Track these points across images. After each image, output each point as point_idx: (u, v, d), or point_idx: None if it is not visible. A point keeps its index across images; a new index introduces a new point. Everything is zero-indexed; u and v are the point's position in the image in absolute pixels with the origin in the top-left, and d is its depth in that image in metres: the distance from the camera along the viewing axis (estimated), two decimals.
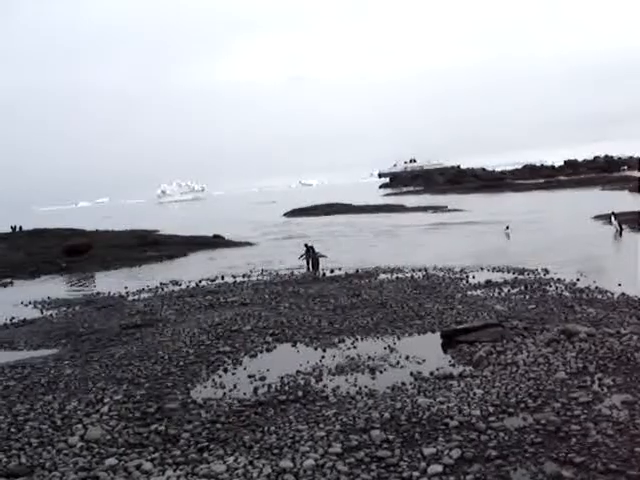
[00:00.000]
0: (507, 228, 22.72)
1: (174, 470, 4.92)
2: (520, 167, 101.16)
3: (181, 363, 8.12)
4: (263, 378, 7.37)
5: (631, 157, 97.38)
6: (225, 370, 7.91)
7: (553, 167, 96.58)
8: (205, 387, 7.26)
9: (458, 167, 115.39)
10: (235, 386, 7.17)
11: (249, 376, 7.53)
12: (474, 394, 6.06)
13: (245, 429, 5.82)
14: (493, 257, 16.68)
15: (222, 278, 16.37)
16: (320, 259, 16.82)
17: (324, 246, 19.20)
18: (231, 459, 5.03)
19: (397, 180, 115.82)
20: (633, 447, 4.61)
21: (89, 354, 8.96)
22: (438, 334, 8.75)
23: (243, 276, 16.47)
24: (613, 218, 21.47)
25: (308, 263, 16.77)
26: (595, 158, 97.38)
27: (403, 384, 6.70)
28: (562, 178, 75.00)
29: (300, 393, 6.65)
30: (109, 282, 18.04)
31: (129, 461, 5.14)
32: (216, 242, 27.60)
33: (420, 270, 15.12)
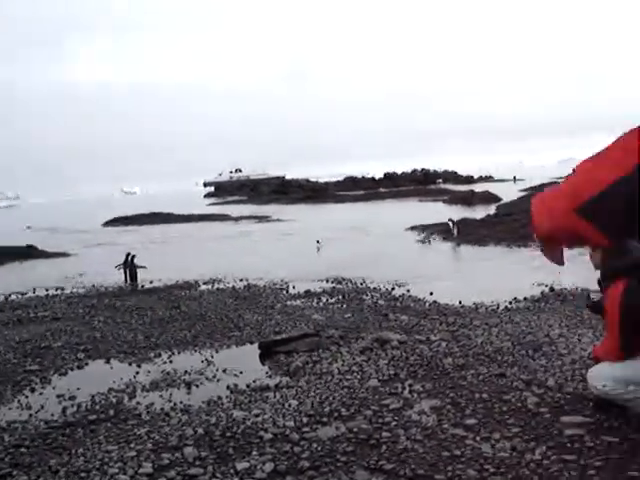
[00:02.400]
0: (318, 242, 22.56)
1: None
2: (342, 179, 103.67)
3: None
4: (73, 397, 6.99)
5: (446, 170, 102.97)
6: (32, 390, 7.43)
7: (374, 179, 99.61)
8: (10, 409, 6.76)
9: (283, 177, 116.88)
10: (42, 407, 6.73)
11: (58, 395, 7.10)
12: (289, 405, 6.05)
13: (51, 452, 5.47)
14: (313, 267, 16.96)
15: (34, 291, 15.49)
16: (139, 270, 16.39)
17: (145, 256, 18.67)
18: None
19: (222, 189, 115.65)
20: (440, 452, 4.75)
21: None
22: (256, 345, 8.71)
23: (56, 289, 15.67)
24: (451, 224, 22.81)
25: (126, 274, 16.28)
26: (413, 171, 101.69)
27: (219, 398, 6.58)
28: (382, 190, 77.73)
29: (112, 412, 6.35)
30: None
31: None
32: (30, 252, 26.03)
33: (241, 280, 15.10)
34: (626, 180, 1.76)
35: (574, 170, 1.97)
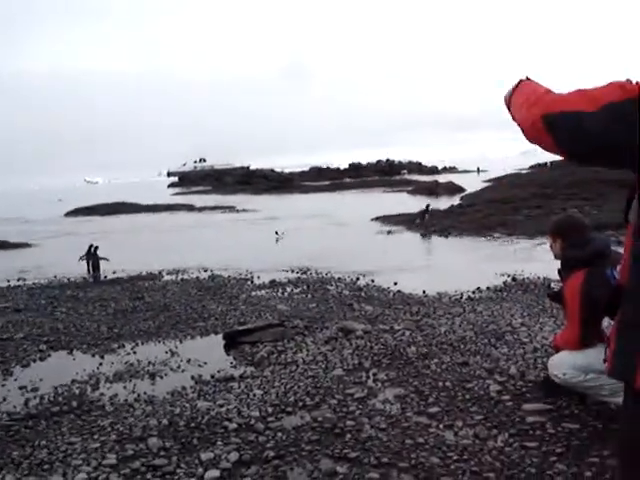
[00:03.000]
0: (277, 233, 22.21)
1: None
2: (307, 169, 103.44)
3: None
4: (36, 389, 6.92)
5: (410, 161, 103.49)
6: None
7: (339, 169, 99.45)
8: None
9: (248, 168, 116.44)
10: (4, 399, 6.65)
11: (20, 387, 7.03)
12: (254, 395, 6.06)
13: (14, 444, 5.42)
14: (278, 257, 16.95)
15: None
16: (102, 261, 16.25)
17: (107, 246, 18.46)
18: None
19: (186, 179, 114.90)
20: (404, 439, 4.80)
21: None
22: (221, 335, 8.70)
23: (18, 280, 15.47)
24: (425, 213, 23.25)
25: (88, 265, 16.12)
26: (378, 162, 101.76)
27: (184, 388, 6.57)
28: (347, 180, 77.82)
29: (75, 403, 6.31)
30: None
31: None
32: None
33: (206, 271, 15.05)
34: (592, 114, 1.92)
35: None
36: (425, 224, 22.77)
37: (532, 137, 2.13)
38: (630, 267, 1.99)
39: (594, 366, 4.60)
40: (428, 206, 24.28)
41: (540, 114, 2.02)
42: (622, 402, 2.10)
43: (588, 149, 1.97)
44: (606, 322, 4.74)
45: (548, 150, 2.10)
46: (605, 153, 1.95)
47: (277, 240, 21.79)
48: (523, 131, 2.18)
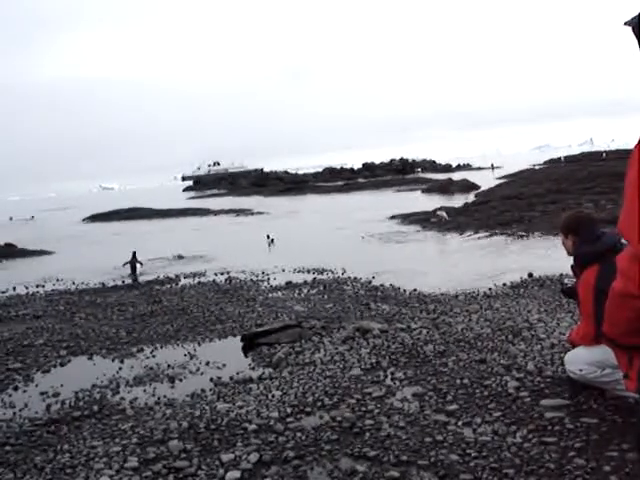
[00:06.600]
0: (268, 237, 21.17)
1: None
2: (321, 170, 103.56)
3: None
4: (56, 394, 7.01)
5: (424, 160, 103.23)
6: (15, 388, 7.43)
7: (352, 170, 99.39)
8: None
9: (262, 170, 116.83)
10: (26, 405, 6.75)
11: (41, 393, 7.13)
12: (273, 396, 6.09)
13: (36, 449, 5.49)
14: (294, 258, 16.93)
15: (14, 289, 15.37)
16: (137, 265, 16.61)
17: (124, 252, 18.52)
18: None
19: (201, 183, 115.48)
20: (423, 437, 4.81)
21: None
22: (239, 338, 8.75)
23: (37, 286, 15.59)
24: (439, 212, 23.59)
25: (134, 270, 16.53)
26: (391, 161, 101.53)
27: (203, 391, 6.63)
28: (361, 180, 77.76)
29: (95, 408, 6.39)
30: None
31: None
32: (9, 251, 25.87)
33: (222, 273, 15.11)
34: None
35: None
36: (442, 222, 22.68)
37: None
38: None
39: (610, 361, 4.59)
40: (444, 209, 24.17)
41: None
42: None
43: None
44: None
45: None
46: None
47: (269, 245, 21.07)
48: None
